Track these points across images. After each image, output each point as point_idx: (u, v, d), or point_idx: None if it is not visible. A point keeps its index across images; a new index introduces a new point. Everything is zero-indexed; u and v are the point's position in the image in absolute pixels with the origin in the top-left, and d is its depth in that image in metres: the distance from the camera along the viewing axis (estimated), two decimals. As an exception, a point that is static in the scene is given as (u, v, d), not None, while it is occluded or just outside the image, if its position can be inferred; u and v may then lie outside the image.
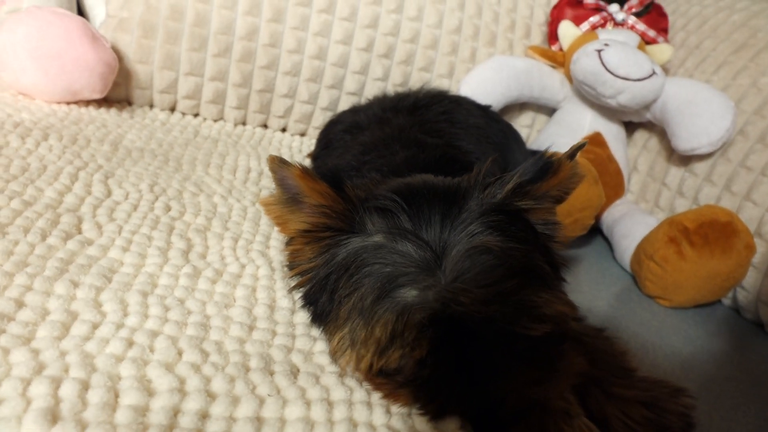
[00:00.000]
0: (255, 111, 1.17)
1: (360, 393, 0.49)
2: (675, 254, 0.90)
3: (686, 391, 0.59)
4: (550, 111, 1.31)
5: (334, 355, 0.51)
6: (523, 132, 1.26)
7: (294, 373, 0.50)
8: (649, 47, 1.18)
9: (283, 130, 1.23)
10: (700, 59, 1.17)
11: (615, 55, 1.05)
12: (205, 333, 0.52)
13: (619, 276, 1.04)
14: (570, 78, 1.20)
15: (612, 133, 1.19)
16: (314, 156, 1.02)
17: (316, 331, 0.57)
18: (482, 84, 1.18)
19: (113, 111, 1.04)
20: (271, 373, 0.49)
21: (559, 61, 1.24)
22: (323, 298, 0.52)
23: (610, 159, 1.15)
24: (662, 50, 1.16)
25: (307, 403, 0.46)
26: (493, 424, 0.45)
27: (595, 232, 1.16)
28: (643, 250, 0.96)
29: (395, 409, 0.48)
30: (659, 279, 0.93)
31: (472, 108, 1.03)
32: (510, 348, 0.43)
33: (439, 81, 1.22)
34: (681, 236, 0.90)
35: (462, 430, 0.46)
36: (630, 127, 1.25)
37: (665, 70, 1.16)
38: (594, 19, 1.24)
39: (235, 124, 1.18)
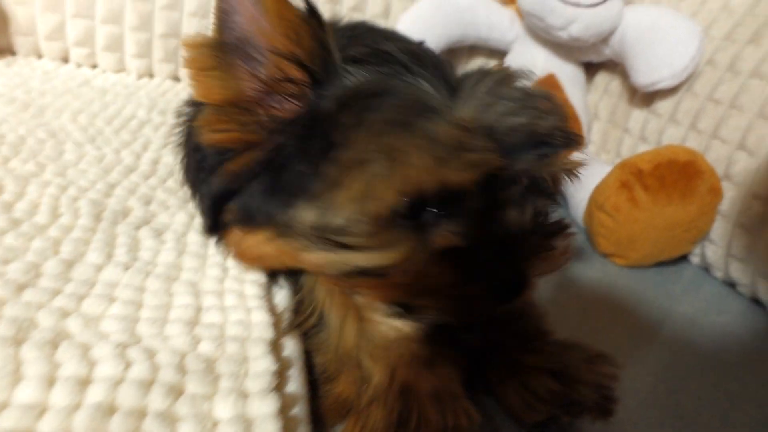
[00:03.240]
0: (161, 60, 1.03)
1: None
2: (627, 201, 0.76)
3: (607, 357, 0.46)
4: (502, 55, 1.16)
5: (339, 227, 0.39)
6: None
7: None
8: (608, -26, 1.03)
9: (198, 82, 1.09)
10: (667, -14, 1.02)
11: (563, -23, 0.91)
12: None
13: (571, 234, 0.91)
14: (521, 14, 1.05)
15: (568, 75, 1.04)
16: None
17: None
18: (419, 22, 1.03)
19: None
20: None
21: (508, -4, 1.09)
22: (296, 165, 0.40)
23: (565, 103, 1.01)
24: (622, -24, 1.01)
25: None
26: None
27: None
28: (593, 200, 0.82)
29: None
30: (611, 233, 0.79)
31: (400, 38, 0.89)
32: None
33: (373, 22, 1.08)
34: (634, 180, 0.76)
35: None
36: (590, 70, 1.10)
37: (630, 3, 1.01)
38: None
39: (139, 76, 1.04)
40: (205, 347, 0.41)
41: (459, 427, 0.39)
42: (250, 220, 0.45)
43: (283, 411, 0.38)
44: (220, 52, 0.39)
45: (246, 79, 0.40)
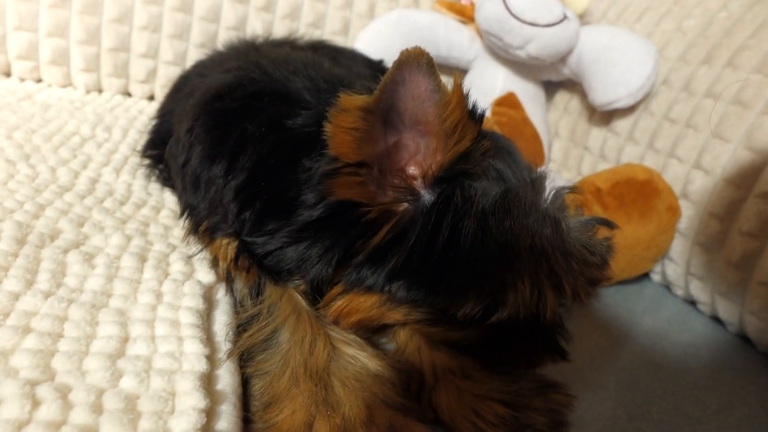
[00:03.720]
0: (110, 74, 0.99)
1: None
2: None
3: (560, 385, 0.45)
4: (463, 73, 1.16)
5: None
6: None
7: None
8: (564, -4, 1.04)
9: (151, 98, 1.05)
10: (623, 8, 1.03)
11: (519, -4, 0.91)
12: None
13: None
14: (480, 34, 1.05)
15: (528, 94, 1.04)
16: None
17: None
18: (378, 40, 1.02)
19: None
20: None
21: (469, 15, 1.09)
22: (433, 250, 0.42)
23: (525, 122, 1.00)
24: (576, 1, 1.02)
25: None
26: None
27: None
28: (553, 219, 0.81)
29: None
30: (572, 252, 0.78)
31: (357, 58, 0.88)
32: None
33: (332, 39, 1.06)
34: (593, 199, 0.75)
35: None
36: (550, 88, 1.10)
37: (586, 24, 1.02)
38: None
39: (87, 91, 0.99)
40: (127, 382, 0.37)
41: None
42: (366, 286, 0.45)
43: (210, 453, 0.35)
44: (369, 114, 0.39)
45: (380, 143, 0.41)
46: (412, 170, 0.43)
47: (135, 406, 0.36)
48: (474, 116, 0.42)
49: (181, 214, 0.58)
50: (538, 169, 0.52)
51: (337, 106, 0.40)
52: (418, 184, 0.43)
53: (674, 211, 0.75)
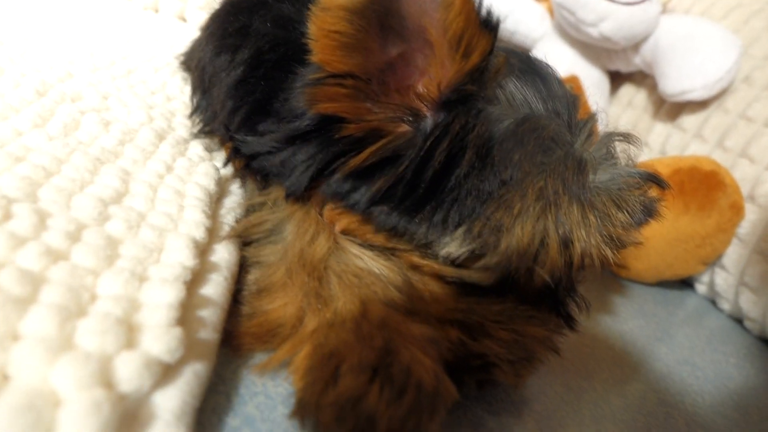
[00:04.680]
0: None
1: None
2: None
3: (542, 319, 0.40)
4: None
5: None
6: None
7: None
8: (649, -18, 0.98)
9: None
10: (709, 4, 0.96)
11: (602, -31, 0.85)
12: None
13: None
14: (552, 12, 1.00)
15: (593, 80, 0.98)
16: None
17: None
18: None
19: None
20: None
21: (542, -9, 1.04)
22: (432, 177, 0.36)
23: (585, 107, 0.94)
24: (664, -15, 0.96)
25: None
26: None
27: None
28: (601, 202, 0.75)
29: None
30: (616, 238, 0.71)
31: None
32: None
33: None
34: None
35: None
36: (616, 81, 1.04)
37: (668, 10, 0.96)
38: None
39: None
40: (114, 226, 0.34)
41: (448, 389, 0.31)
42: (346, 203, 0.39)
43: (188, 309, 0.31)
44: (358, 17, 0.33)
45: (376, 53, 0.35)
46: (421, 89, 0.37)
47: (116, 248, 0.32)
48: (487, 25, 0.34)
49: (191, 114, 0.56)
50: (591, 111, 0.46)
51: (318, 3, 0.33)
52: (424, 104, 0.37)
53: (738, 210, 0.68)
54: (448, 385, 0.30)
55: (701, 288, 0.79)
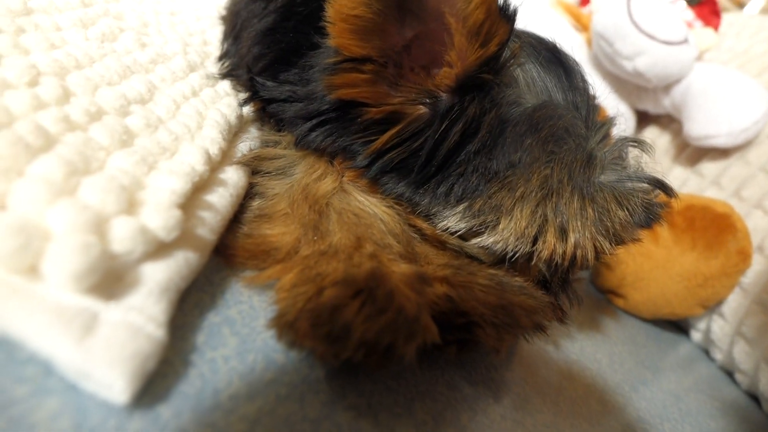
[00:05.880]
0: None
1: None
2: (647, 233, 0.68)
3: (531, 290, 0.39)
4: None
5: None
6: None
7: None
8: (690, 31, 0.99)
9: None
10: (745, 60, 0.97)
11: (645, 6, 0.86)
12: None
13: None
14: (590, 43, 1.01)
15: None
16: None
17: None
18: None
19: None
20: None
21: (583, 23, 1.05)
22: (444, 156, 0.37)
23: (604, 113, 0.94)
24: (703, 35, 0.97)
25: None
26: None
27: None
28: (609, 228, 0.75)
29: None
30: (619, 264, 0.71)
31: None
32: None
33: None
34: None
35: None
36: (642, 122, 1.05)
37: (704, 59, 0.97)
38: (637, -8, 1.06)
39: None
40: (133, 121, 0.34)
41: (428, 324, 0.30)
42: (356, 165, 0.39)
43: (191, 207, 0.31)
44: (377, 0, 0.33)
45: (393, 36, 0.35)
46: (437, 70, 0.37)
47: (132, 138, 0.32)
48: (505, 14, 0.34)
49: (219, 58, 0.56)
50: (608, 116, 0.47)
51: None
52: (441, 86, 0.37)
53: (745, 258, 0.68)
54: (429, 322, 0.30)
55: (696, 335, 0.78)
